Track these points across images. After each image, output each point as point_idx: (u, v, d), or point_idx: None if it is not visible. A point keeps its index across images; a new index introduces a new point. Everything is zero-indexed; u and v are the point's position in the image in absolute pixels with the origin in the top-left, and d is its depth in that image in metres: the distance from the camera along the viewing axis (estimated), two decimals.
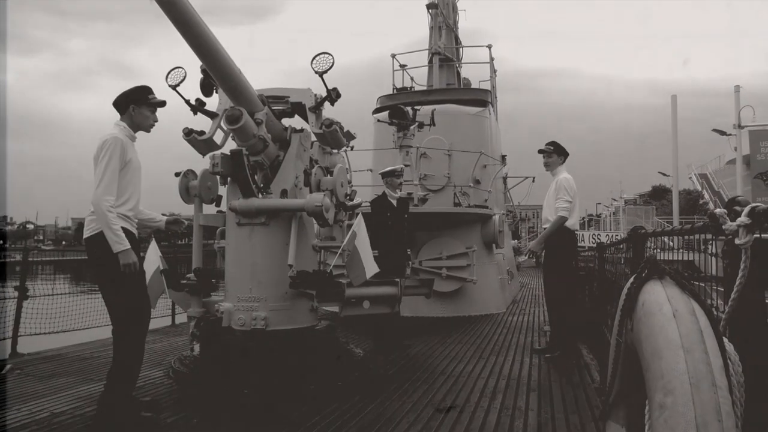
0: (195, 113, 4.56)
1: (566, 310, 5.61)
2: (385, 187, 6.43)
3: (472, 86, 13.07)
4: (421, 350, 6.11)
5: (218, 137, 4.59)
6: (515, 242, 20.07)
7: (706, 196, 30.01)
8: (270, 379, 4.11)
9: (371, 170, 10.28)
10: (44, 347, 6.17)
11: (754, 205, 1.81)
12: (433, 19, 12.67)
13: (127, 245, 3.39)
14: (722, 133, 26.50)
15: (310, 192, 4.62)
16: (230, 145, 4.47)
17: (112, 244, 3.35)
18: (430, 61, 12.77)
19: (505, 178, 14.28)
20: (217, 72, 3.90)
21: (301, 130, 4.78)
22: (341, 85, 4.69)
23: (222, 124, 4.39)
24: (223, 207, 4.72)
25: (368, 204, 6.68)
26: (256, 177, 4.50)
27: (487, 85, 13.13)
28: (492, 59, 13.35)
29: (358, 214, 5.00)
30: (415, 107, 8.37)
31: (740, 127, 23.26)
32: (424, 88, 12.66)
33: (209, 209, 4.90)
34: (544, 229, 5.77)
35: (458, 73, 13.31)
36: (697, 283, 2.27)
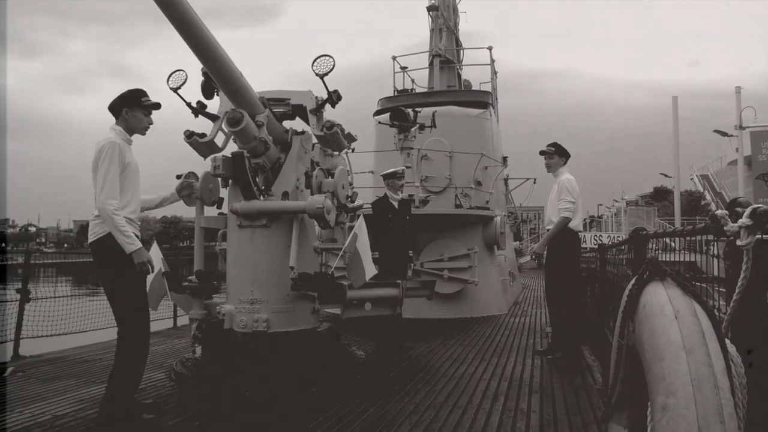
0: (196, 116, 4.57)
1: (568, 311, 5.60)
2: (387, 189, 6.43)
3: (473, 88, 13.09)
4: (423, 352, 6.10)
5: (219, 140, 4.59)
6: (517, 244, 20.07)
7: (708, 197, 29.97)
8: (272, 381, 4.11)
9: (372, 172, 10.29)
10: (46, 350, 6.17)
11: (755, 206, 1.81)
12: (434, 22, 12.69)
13: (139, 244, 3.43)
14: (723, 134, 26.46)
15: (312, 194, 4.62)
16: (231, 147, 4.48)
17: (124, 246, 3.38)
18: (431, 63, 12.79)
19: (506, 180, 14.30)
20: (218, 75, 3.91)
21: (302, 133, 4.79)
22: (342, 87, 4.70)
23: (223, 126, 4.39)
24: (225, 209, 4.72)
25: (369, 206, 6.68)
26: (257, 179, 4.51)
27: (487, 87, 13.16)
28: (493, 61, 13.38)
29: (359, 216, 5.00)
30: (416, 109, 8.40)
31: (741, 128, 23.22)
32: (425, 90, 12.69)
33: (211, 211, 4.91)
34: (548, 230, 5.76)
35: (459, 75, 13.33)
36: (698, 284, 2.27)
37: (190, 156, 4.60)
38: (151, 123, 3.77)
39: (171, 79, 4.36)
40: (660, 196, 52.79)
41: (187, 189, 4.26)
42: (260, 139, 4.27)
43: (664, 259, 3.24)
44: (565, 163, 5.90)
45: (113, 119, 3.68)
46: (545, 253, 6.07)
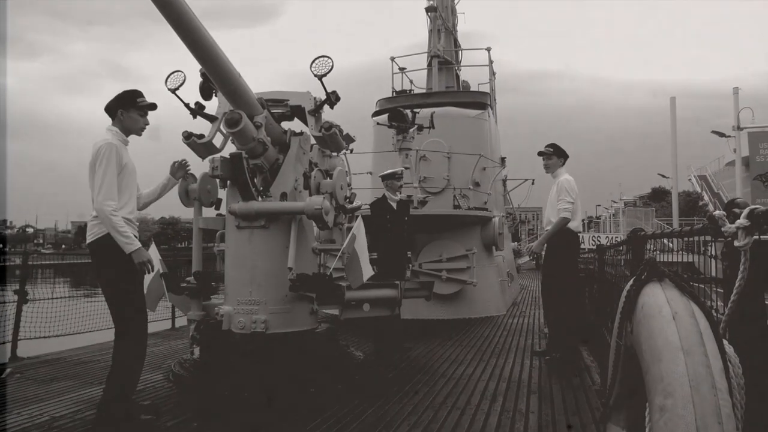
0: (194, 117, 4.56)
1: (566, 311, 5.60)
2: (385, 190, 6.43)
3: (471, 89, 13.10)
4: (421, 353, 6.10)
5: (218, 140, 4.59)
6: (515, 244, 20.07)
7: (706, 197, 29.98)
8: (270, 382, 4.11)
9: (371, 173, 10.30)
10: (44, 351, 6.17)
11: (753, 207, 1.81)
12: (432, 23, 12.70)
13: (138, 244, 3.43)
14: (721, 134, 26.49)
15: (310, 195, 4.62)
16: (230, 148, 4.48)
17: (123, 246, 3.38)
18: (430, 64, 12.80)
19: (504, 181, 14.30)
20: (216, 75, 3.91)
21: (301, 133, 4.78)
22: (341, 88, 4.70)
23: (221, 127, 4.39)
24: (223, 210, 4.72)
25: (368, 207, 6.68)
26: (255, 180, 4.50)
27: (486, 88, 13.17)
28: (491, 62, 13.39)
29: (357, 216, 5.00)
30: (415, 110, 8.40)
31: (739, 128, 23.26)
32: (424, 90, 12.70)
33: (209, 212, 4.90)
34: (547, 230, 5.77)
35: (457, 76, 13.34)
36: (696, 284, 2.27)
37: (188, 157, 4.59)
38: (147, 123, 3.77)
39: (169, 80, 4.35)
40: (658, 196, 52.81)
41: (182, 169, 4.25)
42: (258, 140, 4.27)
43: (662, 260, 3.25)
44: (564, 163, 5.91)
45: (111, 120, 3.68)
46: (543, 252, 6.07)
